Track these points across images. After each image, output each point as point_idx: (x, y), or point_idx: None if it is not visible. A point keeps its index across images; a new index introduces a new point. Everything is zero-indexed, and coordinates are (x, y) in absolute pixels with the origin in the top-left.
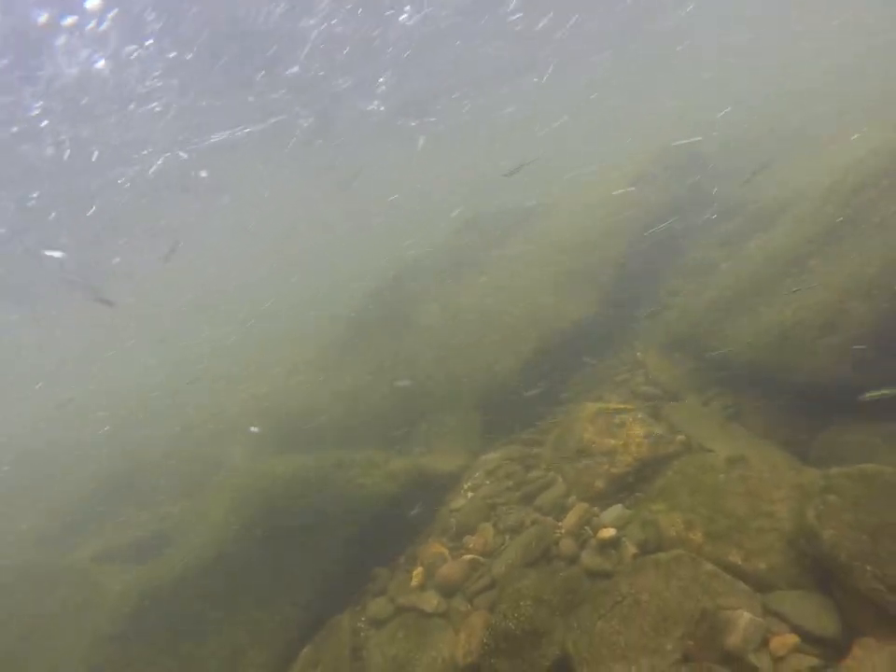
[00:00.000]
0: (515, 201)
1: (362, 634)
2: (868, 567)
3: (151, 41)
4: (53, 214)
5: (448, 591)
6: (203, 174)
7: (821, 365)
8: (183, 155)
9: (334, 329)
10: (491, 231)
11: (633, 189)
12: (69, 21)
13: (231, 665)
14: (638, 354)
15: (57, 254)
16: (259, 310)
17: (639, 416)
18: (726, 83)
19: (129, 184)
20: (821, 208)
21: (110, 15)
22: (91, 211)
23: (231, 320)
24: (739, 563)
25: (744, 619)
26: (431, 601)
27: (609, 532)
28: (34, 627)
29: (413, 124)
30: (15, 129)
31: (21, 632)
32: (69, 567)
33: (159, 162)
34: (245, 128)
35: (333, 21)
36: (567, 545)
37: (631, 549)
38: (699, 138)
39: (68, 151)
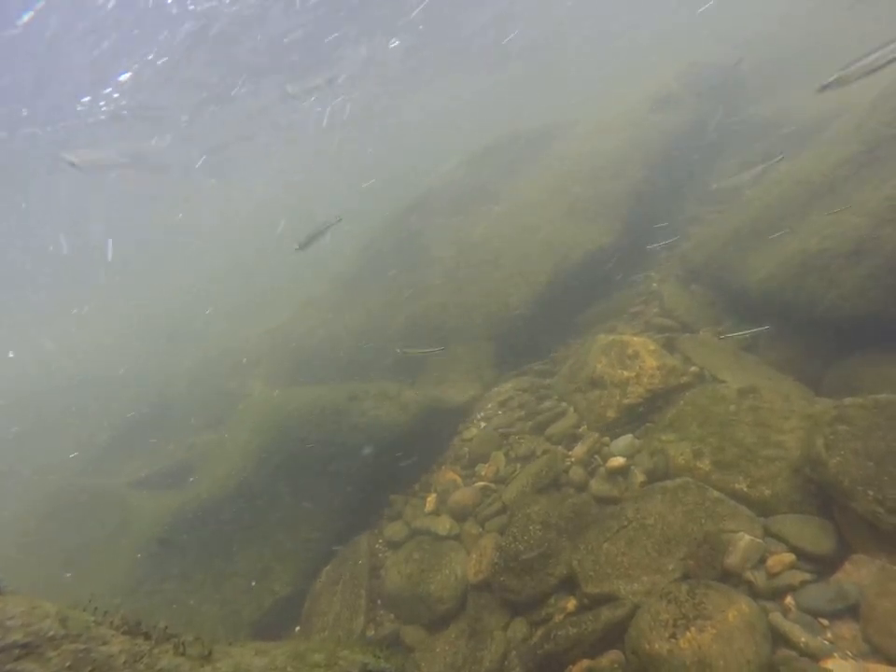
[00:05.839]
0: (534, 123)
1: (380, 555)
2: (870, 492)
3: None
4: None
5: (460, 515)
6: None
7: (843, 296)
8: None
9: (347, 260)
10: (507, 158)
11: (654, 111)
12: None
13: (260, 580)
14: (654, 285)
15: None
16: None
17: (653, 348)
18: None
19: None
20: (862, 126)
21: None
22: None
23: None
24: (745, 490)
25: (744, 541)
26: (444, 525)
27: (618, 461)
28: (81, 543)
29: None
30: None
31: (72, 546)
32: (108, 491)
33: None
34: None
35: None
36: (576, 473)
37: (639, 477)
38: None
39: None
